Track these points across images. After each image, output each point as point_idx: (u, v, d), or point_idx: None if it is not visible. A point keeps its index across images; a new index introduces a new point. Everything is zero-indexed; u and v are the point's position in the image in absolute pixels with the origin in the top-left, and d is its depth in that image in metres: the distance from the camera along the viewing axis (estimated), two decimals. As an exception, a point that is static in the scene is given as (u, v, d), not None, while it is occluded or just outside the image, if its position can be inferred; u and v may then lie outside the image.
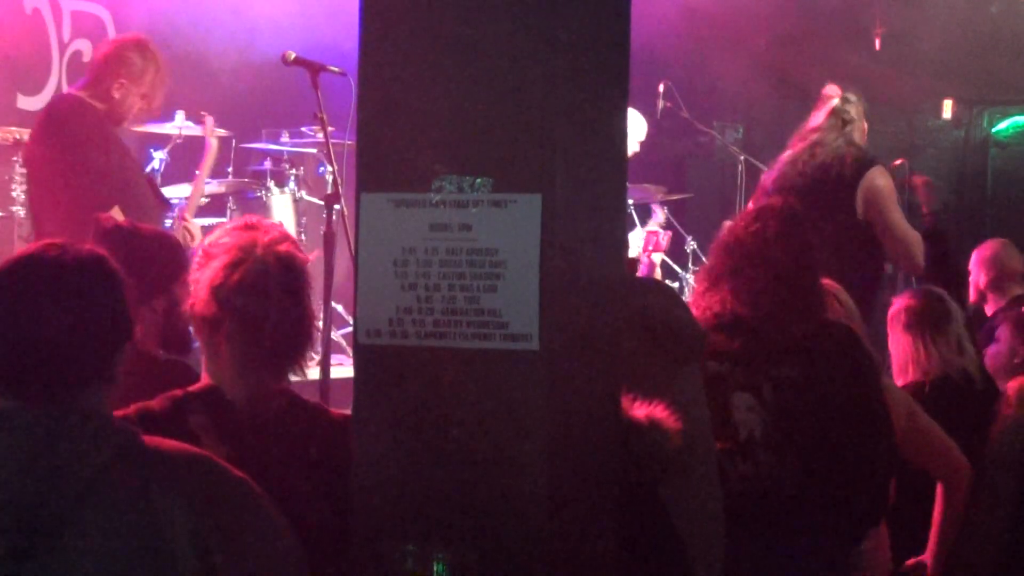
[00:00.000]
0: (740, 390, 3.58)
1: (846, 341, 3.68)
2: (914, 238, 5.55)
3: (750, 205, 5.42)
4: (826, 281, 4.15)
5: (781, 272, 3.63)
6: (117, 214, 5.11)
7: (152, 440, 2.14)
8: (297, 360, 2.62)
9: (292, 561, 2.23)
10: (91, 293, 2.14)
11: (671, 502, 2.88)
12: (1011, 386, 4.46)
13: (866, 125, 5.73)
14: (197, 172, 6.25)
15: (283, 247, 2.60)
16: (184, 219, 5.89)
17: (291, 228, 7.23)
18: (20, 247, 5.89)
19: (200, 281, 2.57)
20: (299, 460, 2.57)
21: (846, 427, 3.57)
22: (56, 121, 5.32)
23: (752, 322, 3.58)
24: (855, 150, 5.60)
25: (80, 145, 5.20)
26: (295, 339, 2.60)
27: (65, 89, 7.61)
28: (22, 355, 2.09)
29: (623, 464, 2.68)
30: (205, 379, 2.63)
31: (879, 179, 5.52)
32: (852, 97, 5.72)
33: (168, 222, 5.66)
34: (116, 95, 5.36)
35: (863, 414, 3.61)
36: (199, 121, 6.66)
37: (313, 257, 2.74)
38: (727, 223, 4.08)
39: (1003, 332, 4.97)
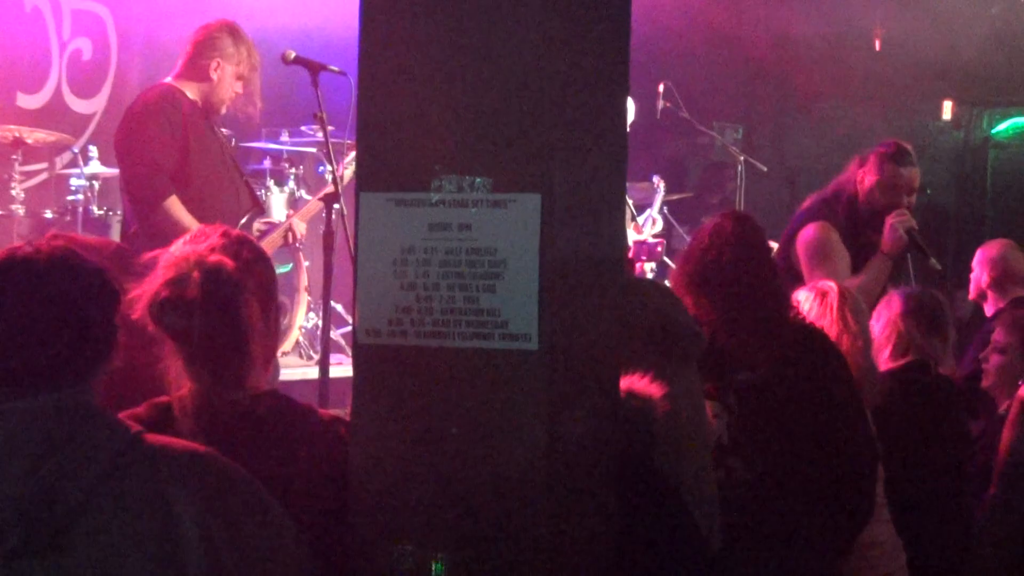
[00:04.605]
0: (706, 397, 3.59)
1: (808, 342, 3.69)
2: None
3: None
4: (823, 281, 4.15)
5: (738, 280, 3.65)
6: (174, 205, 5.11)
7: (155, 437, 2.15)
8: (236, 369, 2.60)
9: (299, 557, 2.23)
10: (60, 291, 2.15)
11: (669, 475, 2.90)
12: (1021, 394, 4.46)
13: (872, 179, 5.22)
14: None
15: (212, 259, 2.59)
16: (291, 221, 5.91)
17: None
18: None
19: (142, 297, 2.58)
20: (289, 461, 2.56)
21: (814, 429, 3.58)
22: (138, 109, 5.27)
23: (713, 329, 3.58)
24: (813, 203, 5.25)
25: (147, 133, 5.15)
26: (224, 350, 2.58)
27: (65, 88, 7.66)
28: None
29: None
30: (188, 385, 2.63)
31: (808, 234, 5.10)
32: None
33: (256, 225, 5.63)
34: (214, 76, 5.33)
35: (831, 415, 3.61)
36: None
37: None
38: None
39: (1007, 339, 4.93)
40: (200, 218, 5.07)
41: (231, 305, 2.56)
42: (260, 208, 5.72)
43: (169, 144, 5.13)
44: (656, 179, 8.78)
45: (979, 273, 6.25)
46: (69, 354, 2.12)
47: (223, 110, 5.53)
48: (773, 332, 3.65)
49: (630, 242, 8.07)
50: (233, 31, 5.41)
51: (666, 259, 8.56)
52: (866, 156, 5.35)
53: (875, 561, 3.89)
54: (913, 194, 5.34)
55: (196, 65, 5.34)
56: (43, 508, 1.99)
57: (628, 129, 7.79)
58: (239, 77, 5.40)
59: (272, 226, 5.96)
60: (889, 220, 5.15)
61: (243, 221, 5.38)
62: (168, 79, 5.41)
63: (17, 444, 2.03)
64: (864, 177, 5.27)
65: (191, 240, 2.68)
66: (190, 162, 5.18)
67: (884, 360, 4.51)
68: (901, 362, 4.51)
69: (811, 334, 3.75)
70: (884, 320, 4.57)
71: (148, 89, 5.44)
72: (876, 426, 4.01)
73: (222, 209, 5.24)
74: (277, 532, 2.20)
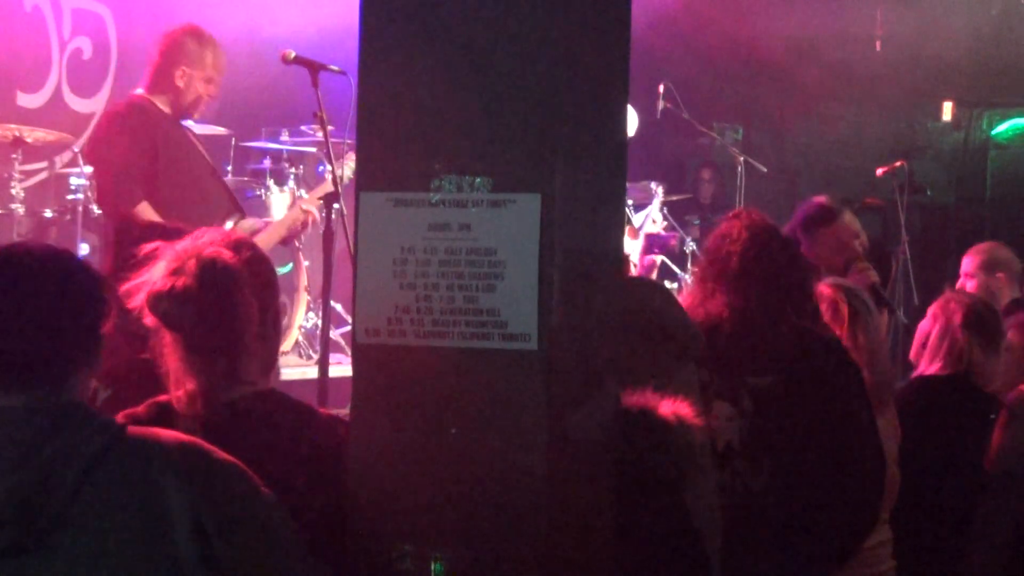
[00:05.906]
0: (719, 399, 3.57)
1: (827, 350, 3.66)
2: None
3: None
4: (833, 281, 4.13)
5: (759, 282, 3.62)
6: (146, 210, 5.16)
7: (140, 429, 2.16)
8: (232, 362, 2.59)
9: (290, 542, 2.23)
10: (58, 287, 2.15)
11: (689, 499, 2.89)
12: (1014, 396, 4.46)
13: (817, 250, 5.23)
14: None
15: (209, 251, 2.59)
16: (302, 205, 5.92)
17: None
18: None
19: (140, 288, 2.58)
20: (289, 460, 2.56)
21: (826, 438, 3.56)
22: (104, 121, 5.42)
23: (731, 330, 3.56)
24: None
25: (113, 142, 5.26)
26: (220, 341, 2.58)
27: (65, 87, 7.66)
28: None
29: (646, 463, 2.68)
30: (187, 383, 2.63)
31: None
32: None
33: (229, 222, 5.65)
34: (180, 84, 5.43)
35: (844, 424, 3.59)
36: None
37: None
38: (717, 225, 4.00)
39: (1016, 341, 4.92)
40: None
41: (227, 295, 2.57)
42: (241, 212, 5.75)
43: (136, 152, 5.21)
44: (654, 185, 8.79)
45: (972, 278, 6.24)
46: (43, 354, 2.12)
47: (196, 115, 5.61)
48: (787, 337, 3.62)
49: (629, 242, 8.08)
50: (197, 35, 5.52)
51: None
52: (796, 230, 5.25)
53: (864, 558, 3.88)
54: (861, 235, 5.31)
55: (163, 74, 5.47)
56: (32, 506, 1.99)
57: (629, 137, 7.79)
58: (207, 80, 5.51)
59: (268, 223, 5.96)
60: (850, 278, 5.17)
61: (229, 225, 5.41)
62: (139, 90, 5.53)
63: (4, 442, 2.03)
64: (810, 251, 5.18)
65: (192, 239, 2.68)
66: (159, 170, 5.25)
67: (935, 366, 4.50)
68: (950, 371, 4.48)
69: (826, 342, 3.72)
70: (941, 326, 4.54)
71: (121, 101, 5.57)
72: (906, 427, 4.01)
73: (200, 214, 5.25)
74: (266, 516, 2.20)
